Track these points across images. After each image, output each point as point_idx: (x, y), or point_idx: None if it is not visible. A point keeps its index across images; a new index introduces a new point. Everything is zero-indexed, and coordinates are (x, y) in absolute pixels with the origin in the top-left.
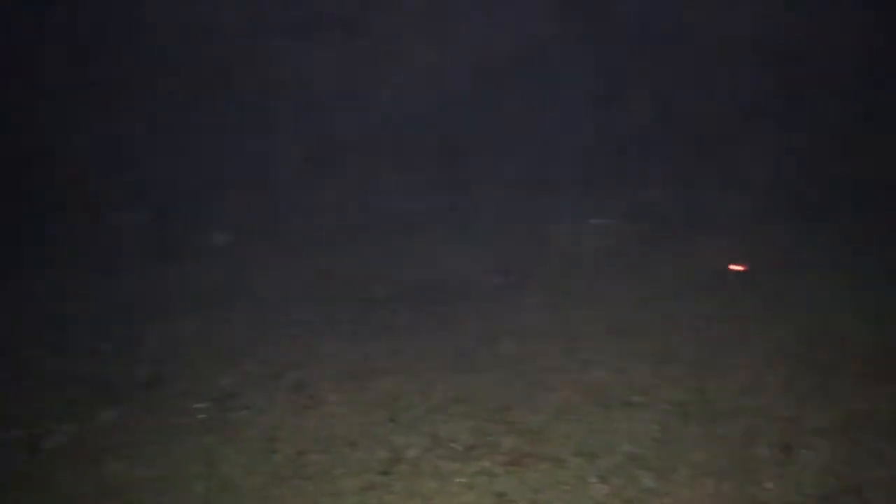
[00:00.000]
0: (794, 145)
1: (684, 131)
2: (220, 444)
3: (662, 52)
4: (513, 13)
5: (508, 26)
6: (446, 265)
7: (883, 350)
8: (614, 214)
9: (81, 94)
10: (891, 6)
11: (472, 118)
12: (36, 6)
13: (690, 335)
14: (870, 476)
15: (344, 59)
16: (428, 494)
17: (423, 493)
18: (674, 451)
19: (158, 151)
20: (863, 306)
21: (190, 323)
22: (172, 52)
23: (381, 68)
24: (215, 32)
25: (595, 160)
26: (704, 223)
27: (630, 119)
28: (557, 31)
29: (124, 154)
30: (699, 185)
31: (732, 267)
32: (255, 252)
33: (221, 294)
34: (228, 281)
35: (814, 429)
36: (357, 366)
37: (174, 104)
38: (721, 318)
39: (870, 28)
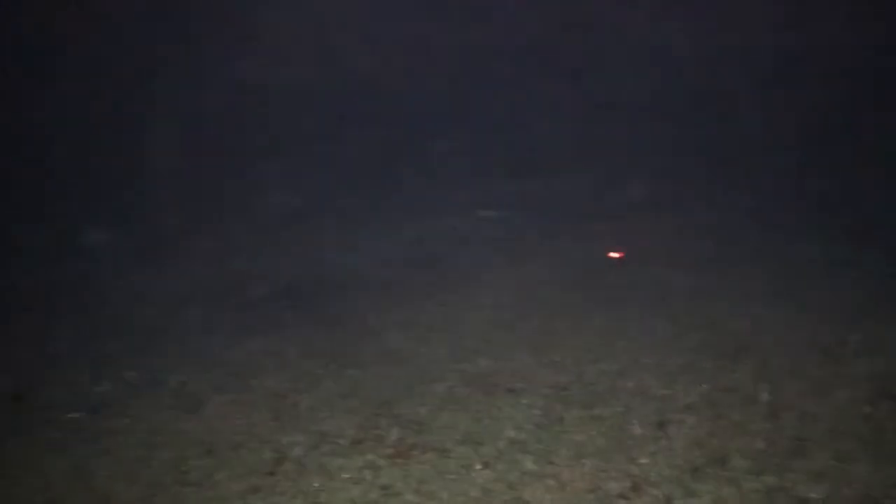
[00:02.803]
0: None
1: (572, 123)
2: (95, 455)
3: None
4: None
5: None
6: (333, 259)
7: (746, 330)
8: (503, 205)
9: None
10: None
11: (361, 106)
12: None
13: (572, 322)
14: (734, 446)
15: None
16: (313, 492)
17: (309, 492)
18: (555, 433)
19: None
20: (732, 292)
21: (63, 328)
22: None
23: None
24: None
25: (489, 151)
26: (590, 212)
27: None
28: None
29: None
30: (588, 174)
31: (611, 254)
32: (133, 250)
33: (98, 296)
34: (103, 281)
35: (684, 405)
36: (240, 366)
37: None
38: (602, 305)
39: None
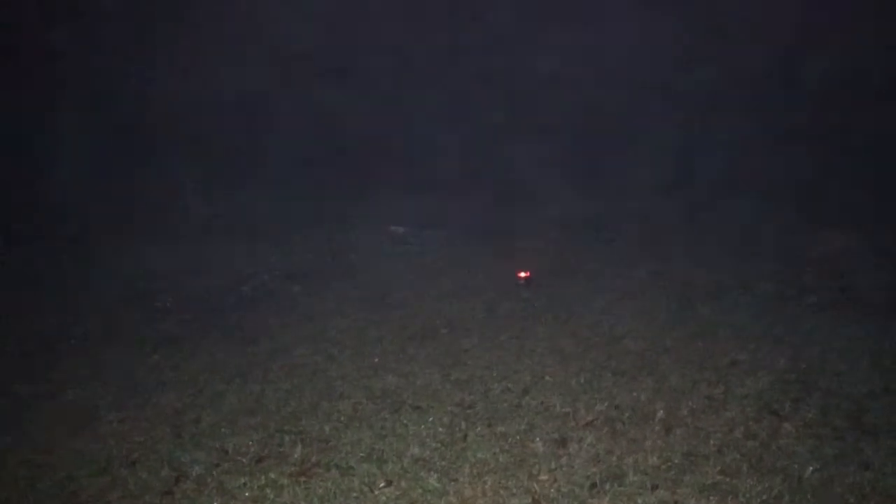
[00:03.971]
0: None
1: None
2: None
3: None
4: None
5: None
6: (241, 270)
7: (646, 350)
8: (414, 221)
9: None
10: None
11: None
12: None
13: (479, 340)
14: (630, 462)
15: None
16: None
17: None
18: (458, 451)
19: None
20: (633, 312)
21: None
22: None
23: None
24: None
25: (405, 167)
26: (502, 232)
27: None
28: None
29: None
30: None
31: (520, 274)
32: (31, 260)
33: None
34: None
35: (585, 423)
36: (140, 380)
37: None
38: (509, 322)
39: None
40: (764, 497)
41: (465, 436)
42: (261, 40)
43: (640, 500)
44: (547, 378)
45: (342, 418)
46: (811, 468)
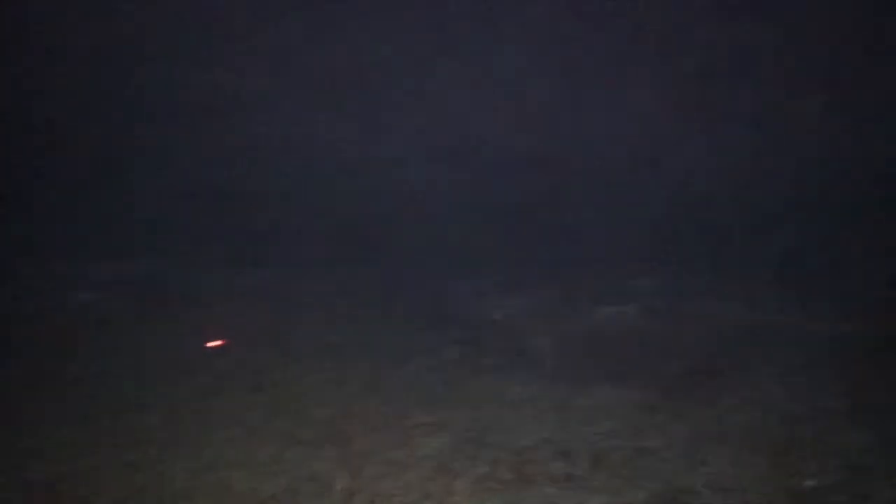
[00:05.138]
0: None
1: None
2: None
3: None
4: None
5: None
6: None
7: (333, 416)
8: (100, 286)
9: None
10: None
11: None
12: None
13: (161, 416)
14: None
15: None
16: None
17: None
18: None
19: None
20: (322, 377)
21: None
22: None
23: None
24: None
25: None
26: (196, 298)
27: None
28: None
29: None
30: (192, 259)
31: (211, 344)
32: None
33: None
34: None
35: (265, 498)
36: None
37: None
38: (196, 395)
39: None
40: None
41: None
42: None
43: None
44: (230, 453)
45: None
46: None
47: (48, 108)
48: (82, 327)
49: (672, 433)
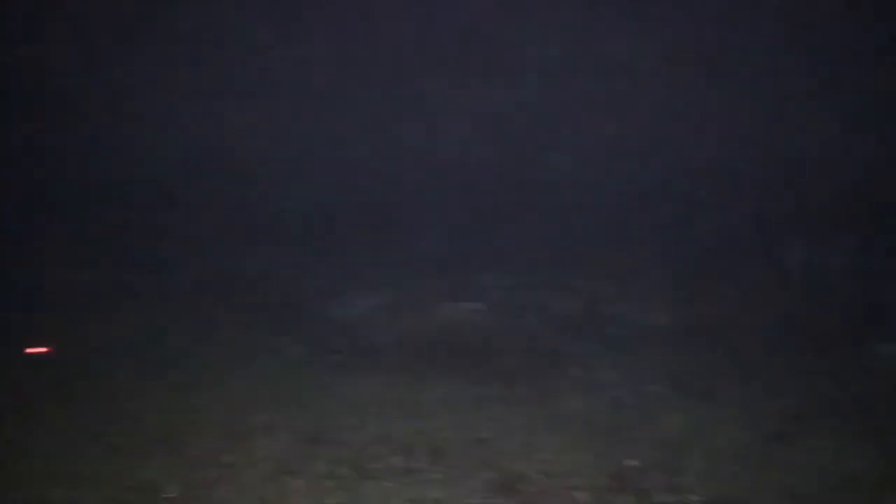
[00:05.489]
0: None
1: None
2: None
3: None
4: None
5: None
6: None
7: (163, 424)
8: None
9: None
10: None
11: None
12: None
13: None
14: None
15: None
16: None
17: None
18: None
19: None
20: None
21: None
22: None
23: None
24: None
25: None
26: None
27: None
28: None
29: None
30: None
31: (31, 350)
32: None
33: None
34: None
35: None
36: None
37: None
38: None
39: None
40: None
41: None
42: None
43: None
44: (50, 464)
45: None
46: None
47: None
48: None
49: (508, 423)
